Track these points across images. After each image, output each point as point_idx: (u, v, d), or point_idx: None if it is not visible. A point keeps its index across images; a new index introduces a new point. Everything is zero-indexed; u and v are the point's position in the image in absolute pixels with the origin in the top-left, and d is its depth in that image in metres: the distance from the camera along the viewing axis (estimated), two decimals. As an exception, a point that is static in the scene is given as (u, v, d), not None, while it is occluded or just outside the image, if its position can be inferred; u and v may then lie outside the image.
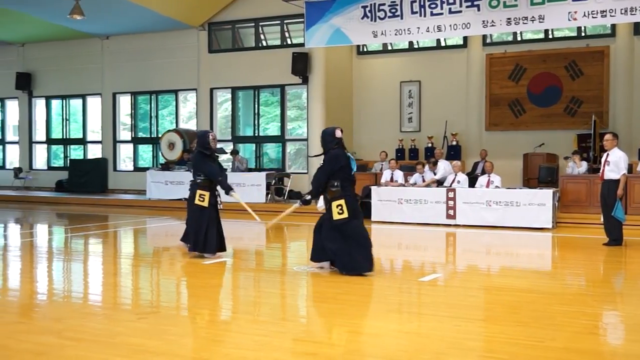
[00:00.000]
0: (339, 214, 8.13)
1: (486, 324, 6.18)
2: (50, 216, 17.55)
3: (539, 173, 16.72)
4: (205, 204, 9.43)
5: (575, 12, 13.84)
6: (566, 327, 5.88)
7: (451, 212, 14.28)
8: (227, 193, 9.64)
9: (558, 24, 14.80)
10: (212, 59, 21.70)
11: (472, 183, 15.09)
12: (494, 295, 7.50)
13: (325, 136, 8.46)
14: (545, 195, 13.66)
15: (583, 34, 18.67)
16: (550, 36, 18.98)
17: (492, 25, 14.68)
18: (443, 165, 15.74)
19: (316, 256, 8.56)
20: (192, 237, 9.59)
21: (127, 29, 22.14)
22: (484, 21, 14.65)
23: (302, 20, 17.45)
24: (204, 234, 9.44)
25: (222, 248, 9.72)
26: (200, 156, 9.66)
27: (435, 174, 15.55)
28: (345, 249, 8.17)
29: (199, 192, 9.48)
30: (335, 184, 8.21)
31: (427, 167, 15.71)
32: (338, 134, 8.39)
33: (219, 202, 9.72)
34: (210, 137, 9.69)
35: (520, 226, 13.63)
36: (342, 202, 8.13)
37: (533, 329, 5.74)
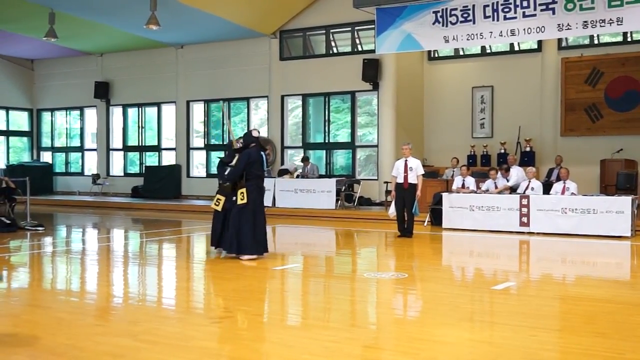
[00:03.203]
0: (241, 199, 9.83)
1: (562, 334, 6.02)
2: (126, 221, 18.01)
3: (617, 179, 16.21)
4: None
5: (656, 14, 13.40)
6: (647, 339, 5.68)
7: (525, 219, 13.98)
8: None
9: (638, 26, 14.35)
10: (283, 67, 21.91)
11: (546, 190, 14.75)
12: (570, 305, 7.30)
13: (245, 136, 10.28)
14: (624, 203, 13.23)
15: (664, 36, 18.05)
16: (629, 39, 18.40)
17: (568, 29, 14.35)
18: (516, 172, 15.45)
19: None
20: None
21: (200, 38, 22.58)
22: (559, 24, 14.34)
23: (372, 26, 17.44)
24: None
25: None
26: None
27: (508, 180, 15.26)
28: (241, 232, 9.76)
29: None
30: (243, 175, 9.91)
31: (499, 173, 15.43)
32: (255, 134, 10.25)
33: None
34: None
35: (598, 234, 13.23)
36: (244, 190, 9.85)
37: (612, 340, 5.56)
